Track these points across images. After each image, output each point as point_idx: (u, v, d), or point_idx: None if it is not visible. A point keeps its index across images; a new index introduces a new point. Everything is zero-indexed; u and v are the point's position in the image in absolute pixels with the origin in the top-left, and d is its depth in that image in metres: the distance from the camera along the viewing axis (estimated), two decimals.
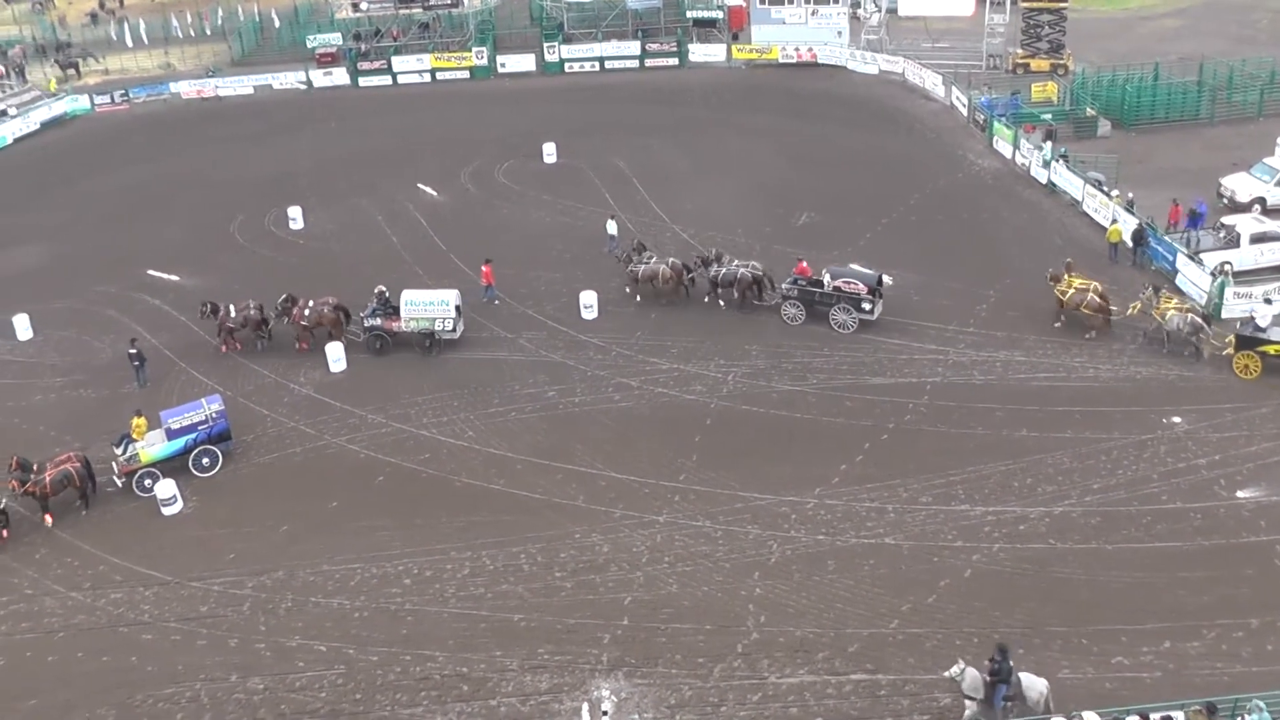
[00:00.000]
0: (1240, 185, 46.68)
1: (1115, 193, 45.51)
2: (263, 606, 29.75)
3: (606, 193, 52.58)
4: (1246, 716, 22.86)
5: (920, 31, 69.13)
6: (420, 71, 73.77)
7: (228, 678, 27.56)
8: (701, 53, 72.41)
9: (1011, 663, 24.05)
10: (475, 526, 31.94)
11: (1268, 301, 37.26)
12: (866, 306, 39.81)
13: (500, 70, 73.36)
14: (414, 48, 75.61)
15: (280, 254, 49.71)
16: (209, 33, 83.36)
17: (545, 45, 73.32)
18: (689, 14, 74.81)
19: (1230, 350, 36.13)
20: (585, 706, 25.52)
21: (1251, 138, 52.47)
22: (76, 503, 33.98)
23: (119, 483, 34.66)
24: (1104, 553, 29.29)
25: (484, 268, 43.45)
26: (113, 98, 73.00)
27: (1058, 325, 39.12)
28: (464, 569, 30.44)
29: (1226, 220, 42.86)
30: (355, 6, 74.87)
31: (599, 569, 30.07)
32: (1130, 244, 42.93)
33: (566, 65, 72.83)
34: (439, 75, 73.71)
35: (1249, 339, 35.88)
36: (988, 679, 24.07)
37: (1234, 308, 38.15)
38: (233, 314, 41.07)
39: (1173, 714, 23.37)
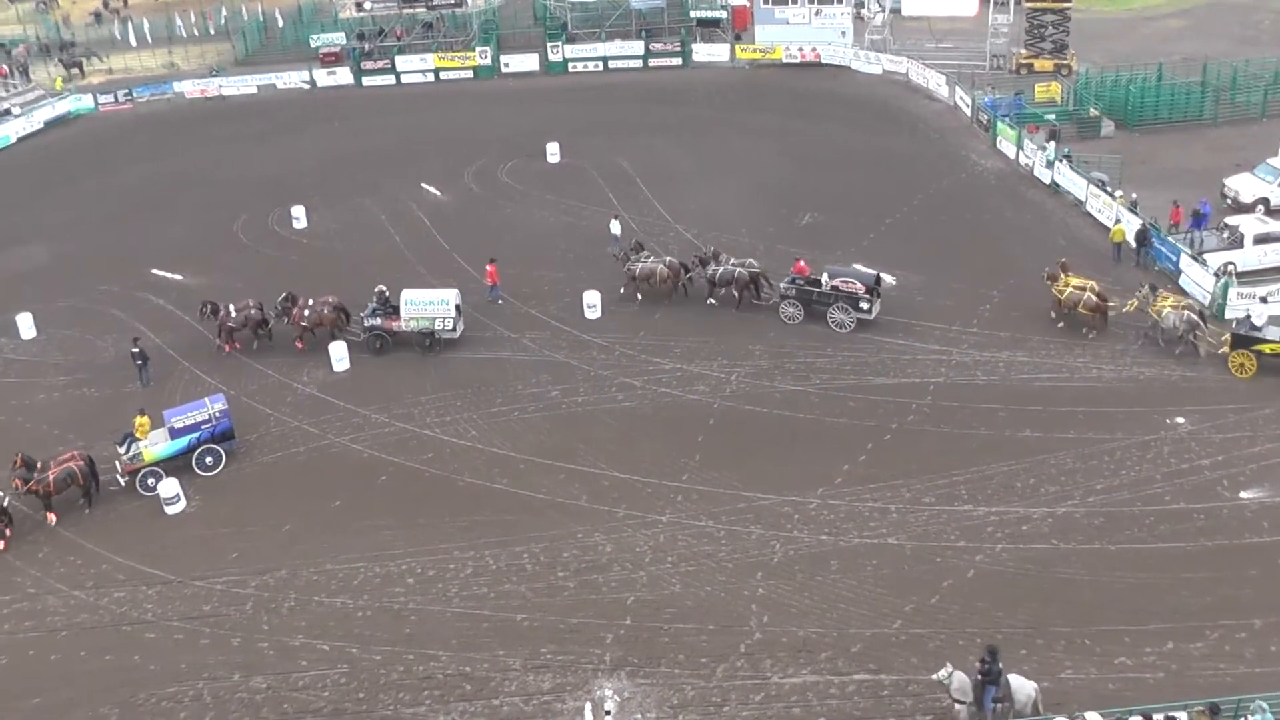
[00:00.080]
0: (1244, 186, 46.64)
1: (1119, 193, 45.48)
2: (266, 605, 29.78)
3: (610, 192, 52.57)
4: (1249, 717, 22.86)
5: (924, 31, 69.08)
6: (424, 71, 73.75)
7: (230, 677, 27.60)
8: (705, 53, 72.33)
9: (1001, 665, 24.01)
10: (478, 526, 31.95)
11: (1264, 301, 37.29)
12: (864, 306, 39.80)
13: (504, 70, 73.33)
14: (417, 47, 75.59)
15: (283, 253, 49.74)
16: (212, 32, 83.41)
17: (549, 45, 73.30)
18: (693, 14, 74.68)
19: (1226, 349, 36.18)
20: (588, 706, 25.53)
21: (1255, 138, 52.39)
22: (80, 501, 34.02)
23: (122, 481, 34.70)
24: (1107, 553, 29.27)
25: (488, 267, 43.45)
26: (116, 97, 73.03)
27: (1061, 325, 39.09)
28: (467, 568, 30.45)
29: (1230, 221, 42.84)
30: (359, 6, 74.91)
31: (602, 569, 30.08)
32: (1134, 244, 42.89)
33: (570, 65, 72.80)
34: (443, 75, 73.68)
35: (1244, 338, 35.98)
36: (978, 679, 24.05)
37: (1238, 308, 38.10)
38: (233, 314, 41.08)
39: (1176, 715, 23.37)
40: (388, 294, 41.14)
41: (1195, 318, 36.84)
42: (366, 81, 73.65)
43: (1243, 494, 31.06)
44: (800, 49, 69.86)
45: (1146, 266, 42.35)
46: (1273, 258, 41.22)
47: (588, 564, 30.28)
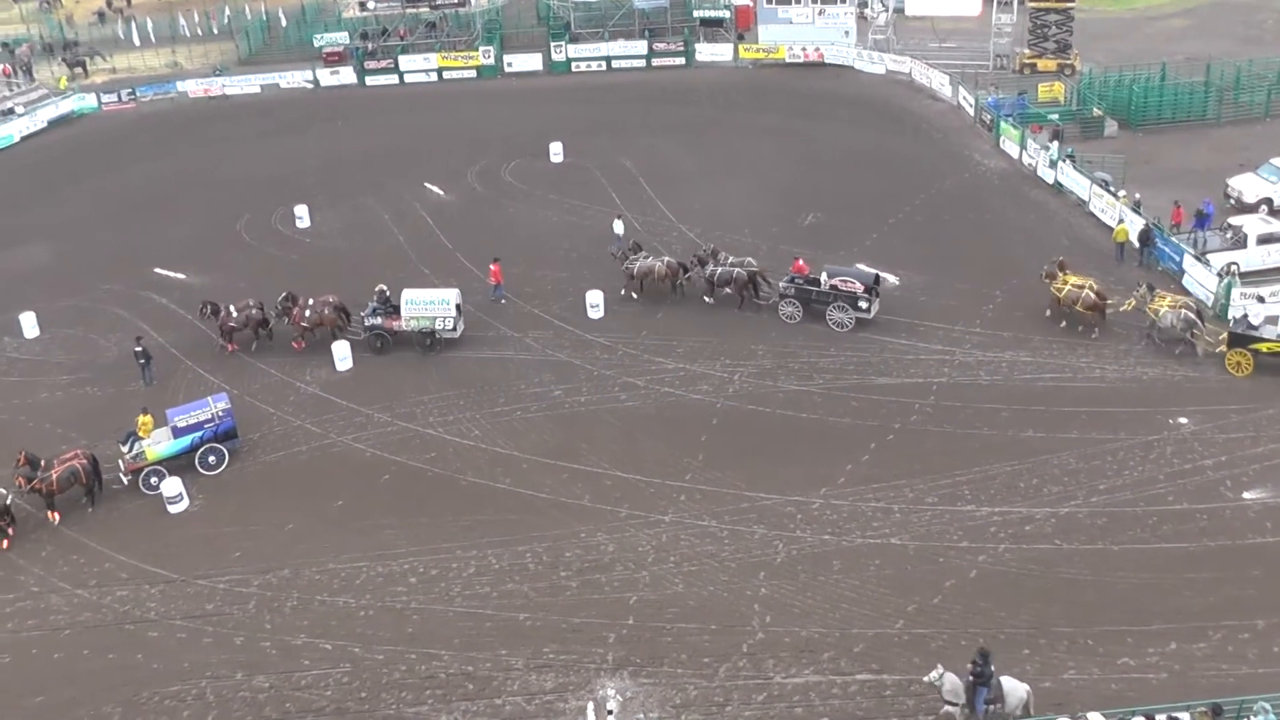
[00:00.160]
0: (1247, 186, 46.59)
1: (1122, 193, 45.45)
2: (268, 604, 29.80)
3: (613, 192, 52.57)
4: (1252, 718, 22.85)
5: (927, 31, 69.02)
6: (427, 71, 73.74)
7: (233, 675, 27.62)
8: (708, 52, 72.31)
9: (993, 667, 24.00)
10: (481, 525, 31.97)
11: (1260, 300, 37.32)
12: (863, 305, 39.81)
13: (507, 70, 73.31)
14: (421, 47, 75.57)
15: (286, 252, 49.76)
16: (216, 32, 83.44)
17: (552, 45, 73.28)
18: (696, 13, 74.68)
19: (1223, 348, 36.22)
20: (590, 706, 25.54)
21: (1258, 138, 52.39)
22: (83, 500, 34.06)
23: (125, 480, 34.73)
24: (1110, 553, 29.26)
25: (492, 266, 43.47)
26: (120, 96, 73.04)
27: (1062, 325, 39.11)
28: (469, 568, 30.46)
29: (1233, 221, 42.81)
30: (362, 5, 74.89)
31: (604, 568, 30.09)
32: (1137, 245, 42.86)
33: (573, 65, 72.79)
34: (446, 74, 73.65)
35: (1241, 336, 36.06)
36: (969, 680, 24.03)
37: (1241, 309, 38.05)
38: (233, 314, 41.10)
39: (1178, 715, 23.36)
40: (388, 293, 41.16)
41: (1193, 317, 36.89)
42: (370, 81, 73.63)
43: (1246, 494, 31.05)
44: (803, 49, 69.82)
45: (1149, 267, 42.32)
46: (1276, 258, 41.21)
47: (590, 563, 30.29)
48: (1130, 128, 55.48)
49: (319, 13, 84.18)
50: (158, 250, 50.22)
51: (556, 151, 57.21)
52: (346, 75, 73.97)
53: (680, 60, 72.10)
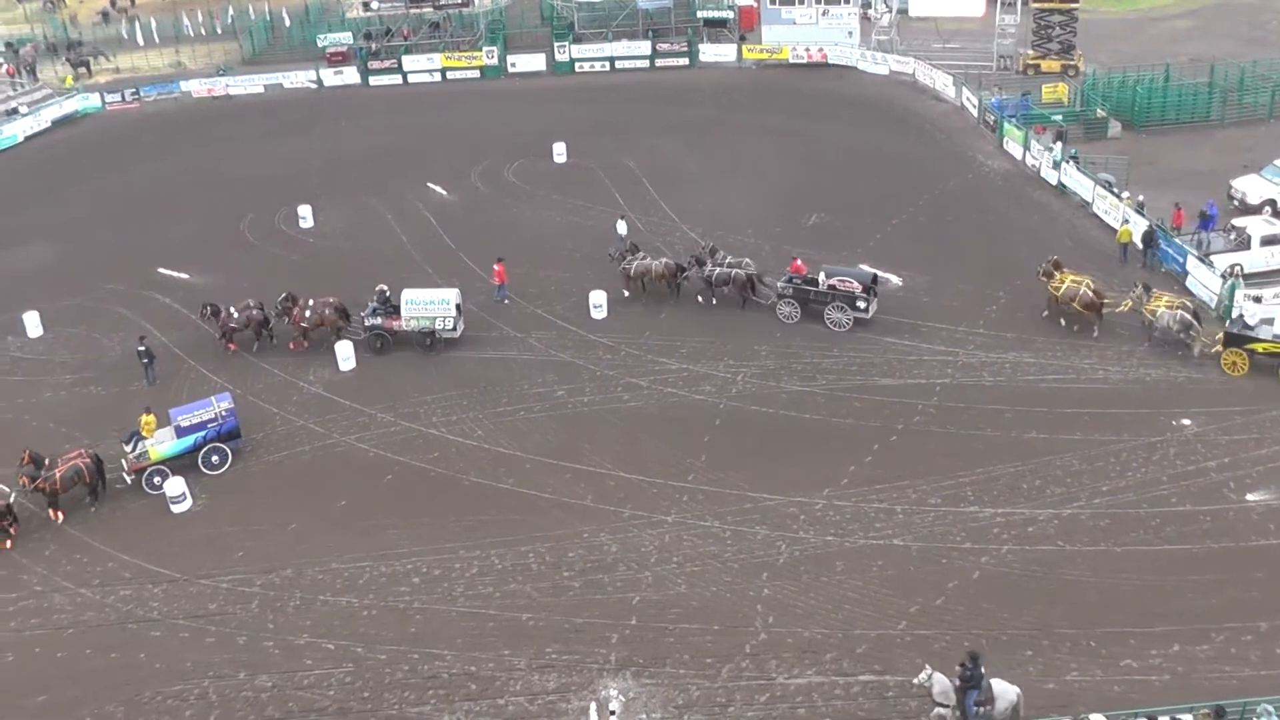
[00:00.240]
0: (1251, 187, 46.55)
1: (1126, 194, 45.43)
2: (271, 604, 29.81)
3: (616, 192, 52.58)
4: None
5: (931, 32, 69.04)
6: (430, 71, 73.82)
7: (236, 675, 27.63)
8: (712, 53, 72.37)
9: (983, 669, 23.97)
10: (484, 525, 31.97)
11: (1256, 300, 37.37)
12: (861, 305, 39.82)
13: (510, 70, 73.37)
14: (424, 47, 75.66)
15: (290, 252, 49.80)
16: (220, 31, 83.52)
17: (556, 45, 73.34)
18: (699, 14, 74.75)
19: (1219, 348, 36.25)
20: (593, 706, 25.54)
21: (1262, 139, 52.40)
22: (86, 499, 34.08)
23: (128, 480, 34.76)
24: (1113, 555, 29.24)
25: (496, 266, 43.49)
26: (123, 96, 73.14)
27: (1061, 323, 39.18)
28: (472, 568, 30.47)
29: (1237, 222, 42.77)
30: (366, 6, 74.92)
31: (607, 569, 30.09)
32: (1140, 246, 42.84)
33: (577, 65, 72.84)
34: (449, 75, 73.73)
35: (1237, 336, 36.15)
36: (958, 684, 24.00)
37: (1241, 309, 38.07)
38: (234, 315, 41.10)
39: (1181, 717, 23.34)
40: (388, 293, 41.18)
41: (1189, 317, 36.95)
42: (373, 81, 73.71)
43: (1249, 496, 31.02)
44: (807, 49, 69.85)
45: (1153, 268, 42.31)
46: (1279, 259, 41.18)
47: (593, 564, 30.29)
48: (1134, 129, 55.45)
49: (323, 13, 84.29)
50: (161, 250, 50.26)
51: (560, 152, 57.24)
52: (350, 75, 74.04)
53: (684, 61, 72.15)
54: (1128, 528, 30.11)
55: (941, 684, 24.07)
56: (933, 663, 24.91)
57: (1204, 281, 39.99)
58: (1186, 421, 34.17)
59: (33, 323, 44.21)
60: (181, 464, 34.97)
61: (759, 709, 25.69)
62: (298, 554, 31.47)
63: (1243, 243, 41.45)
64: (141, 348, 39.91)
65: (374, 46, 75.51)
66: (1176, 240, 42.16)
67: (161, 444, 35.00)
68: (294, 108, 70.57)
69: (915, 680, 24.44)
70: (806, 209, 49.68)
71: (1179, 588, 28.07)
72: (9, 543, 32.69)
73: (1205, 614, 27.18)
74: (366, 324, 40.90)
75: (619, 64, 72.58)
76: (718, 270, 41.90)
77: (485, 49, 73.75)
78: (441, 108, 67.82)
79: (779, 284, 41.32)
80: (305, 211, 52.28)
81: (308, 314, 40.93)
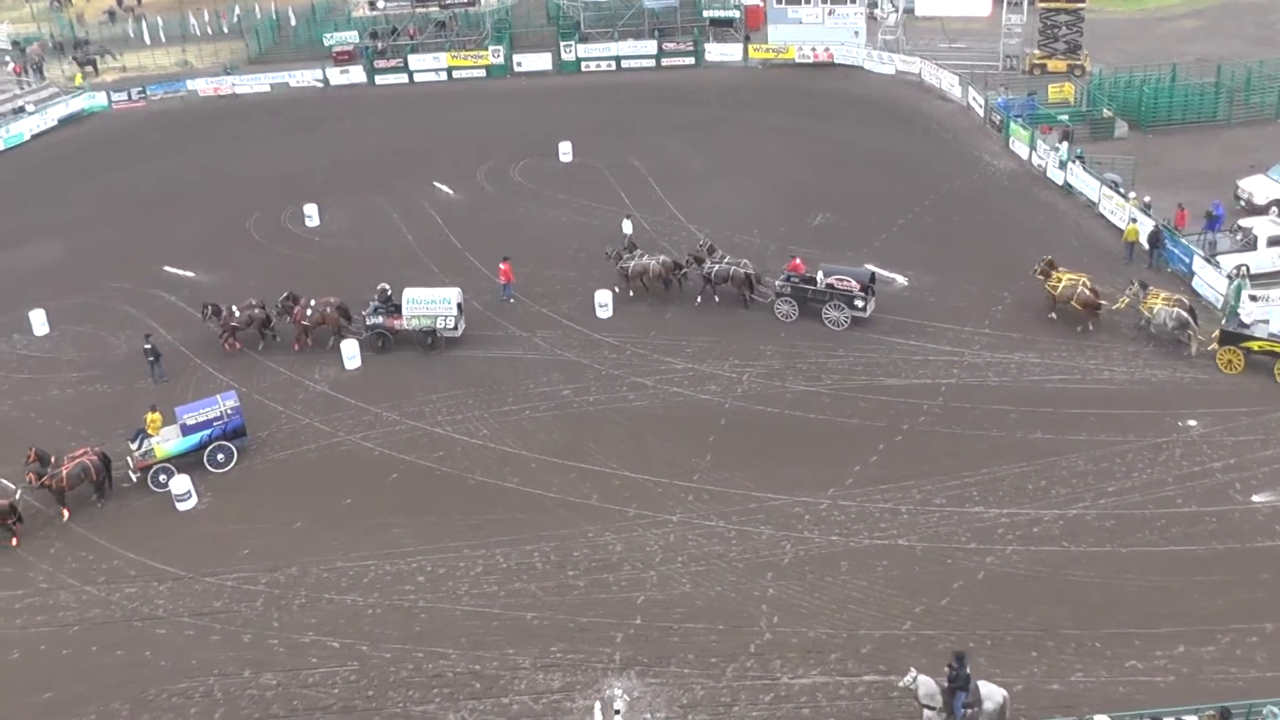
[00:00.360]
0: (1257, 187, 46.47)
1: (1132, 195, 45.37)
2: (276, 602, 29.86)
3: (622, 192, 52.57)
4: None
5: (937, 32, 68.91)
6: (436, 70, 73.78)
7: (241, 673, 27.67)
8: (718, 52, 72.27)
9: (969, 670, 23.95)
10: (489, 524, 32.00)
11: (1253, 298, 37.35)
12: (859, 304, 39.83)
13: (516, 69, 73.33)
14: (430, 46, 75.62)
15: (296, 251, 49.82)
16: (226, 30, 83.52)
17: (562, 44, 73.28)
18: (706, 13, 74.68)
19: (1215, 345, 36.27)
20: (597, 705, 25.58)
21: (1269, 139, 52.34)
22: (93, 496, 34.15)
23: (134, 477, 34.82)
24: (1118, 556, 29.23)
25: (502, 265, 43.49)
26: (130, 95, 73.14)
27: (1062, 321, 39.17)
28: (477, 567, 30.49)
29: (1243, 223, 42.72)
30: (372, 5, 74.87)
31: (612, 568, 30.11)
32: (1146, 246, 42.80)
33: (583, 64, 72.77)
34: (455, 74, 73.68)
35: (1233, 334, 36.27)
36: (945, 685, 23.97)
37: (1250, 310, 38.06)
38: (236, 314, 41.13)
39: (1186, 719, 23.30)
40: (390, 292, 41.21)
41: (1185, 315, 37.02)
42: (379, 80, 73.67)
43: (1255, 497, 30.99)
44: (813, 49, 69.76)
45: (1159, 268, 42.27)
46: None
47: (598, 563, 30.31)
48: (1140, 129, 55.38)
49: (329, 12, 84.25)
50: (167, 248, 50.31)
51: (565, 151, 57.22)
52: (356, 74, 74.00)
53: (690, 60, 72.08)
54: (1133, 529, 30.09)
55: (927, 686, 24.06)
56: (939, 663, 24.90)
57: (1210, 282, 39.92)
58: (1192, 422, 34.15)
59: (39, 321, 44.27)
60: (187, 462, 35.04)
61: (763, 709, 25.70)
62: (303, 552, 31.51)
63: (1249, 243, 41.40)
64: (148, 346, 39.95)
65: (380, 45, 75.47)
66: (1183, 241, 42.09)
67: (167, 442, 35.06)
68: (300, 107, 70.59)
69: (901, 683, 24.45)
70: (812, 209, 49.65)
71: (1184, 589, 28.05)
72: (15, 541, 32.74)
73: (1211, 615, 27.17)
74: (368, 323, 40.92)
75: (625, 63, 72.48)
76: (716, 267, 41.92)
77: (491, 48, 73.73)
78: (447, 107, 67.81)
79: (777, 283, 41.35)
80: (311, 210, 52.31)
81: (308, 313, 40.94)
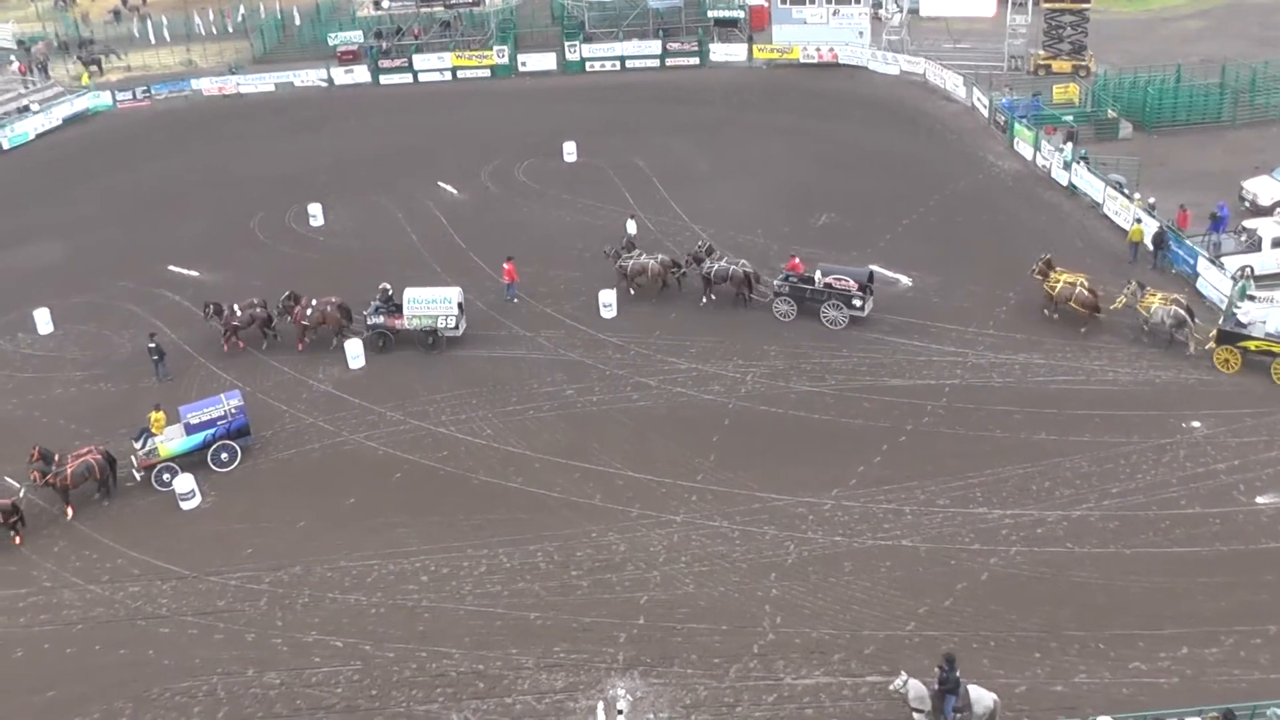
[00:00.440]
0: (1262, 189, 46.37)
1: (1137, 196, 45.32)
2: (280, 602, 29.89)
3: (626, 192, 52.57)
4: None
5: (941, 32, 68.83)
6: (441, 70, 73.76)
7: (244, 672, 27.71)
8: (722, 52, 72.19)
9: (959, 673, 23.92)
10: (492, 524, 32.01)
11: (1250, 297, 37.33)
12: (857, 303, 39.84)
13: (521, 69, 73.31)
14: (435, 46, 75.59)
15: (300, 251, 49.86)
16: (230, 30, 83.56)
17: (566, 44, 73.26)
18: (710, 13, 74.59)
19: (1212, 344, 36.29)
20: (600, 705, 25.57)
21: (1274, 140, 52.24)
22: (96, 494, 34.18)
23: (138, 476, 34.86)
24: (1122, 557, 29.20)
25: (506, 265, 43.49)
26: (134, 94, 73.17)
27: (1055, 318, 39.25)
28: (481, 566, 30.51)
29: (1248, 224, 42.67)
30: (377, 4, 74.92)
31: (615, 568, 30.11)
32: (1151, 247, 42.76)
33: (587, 64, 72.72)
34: (460, 74, 73.65)
35: (1230, 334, 36.28)
36: (935, 688, 23.94)
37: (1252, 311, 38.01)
38: (238, 313, 41.15)
39: None
40: (391, 292, 41.22)
41: (1182, 314, 37.06)
42: (384, 80, 73.65)
43: (1259, 499, 30.95)
44: (818, 49, 69.69)
45: (1164, 269, 42.23)
46: None
47: (601, 563, 30.32)
48: (1145, 130, 55.30)
49: (333, 11, 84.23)
50: (171, 247, 50.36)
51: (570, 151, 57.21)
52: (361, 74, 74.00)
53: (694, 60, 72.01)
54: (1137, 530, 30.06)
55: (917, 690, 24.03)
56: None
57: (1214, 283, 39.88)
58: (1196, 424, 34.11)
59: (43, 320, 44.31)
60: (191, 461, 35.08)
61: (766, 709, 25.70)
62: (306, 551, 31.54)
63: (1254, 244, 41.35)
64: (152, 345, 39.98)
65: (385, 45, 75.48)
66: (1187, 242, 42.04)
67: (171, 441, 35.10)
68: (304, 106, 70.61)
69: (891, 687, 24.43)
70: (817, 209, 49.63)
71: (1188, 590, 28.02)
72: (19, 539, 32.79)
73: (1214, 617, 27.14)
74: (369, 322, 40.93)
75: (629, 63, 72.40)
76: (716, 267, 41.93)
77: (496, 48, 73.72)
78: (452, 107, 67.81)
79: (775, 282, 41.36)
80: (315, 210, 52.34)
81: (309, 312, 40.95)
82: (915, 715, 24.15)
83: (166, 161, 62.11)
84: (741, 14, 74.51)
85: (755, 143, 57.85)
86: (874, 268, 42.01)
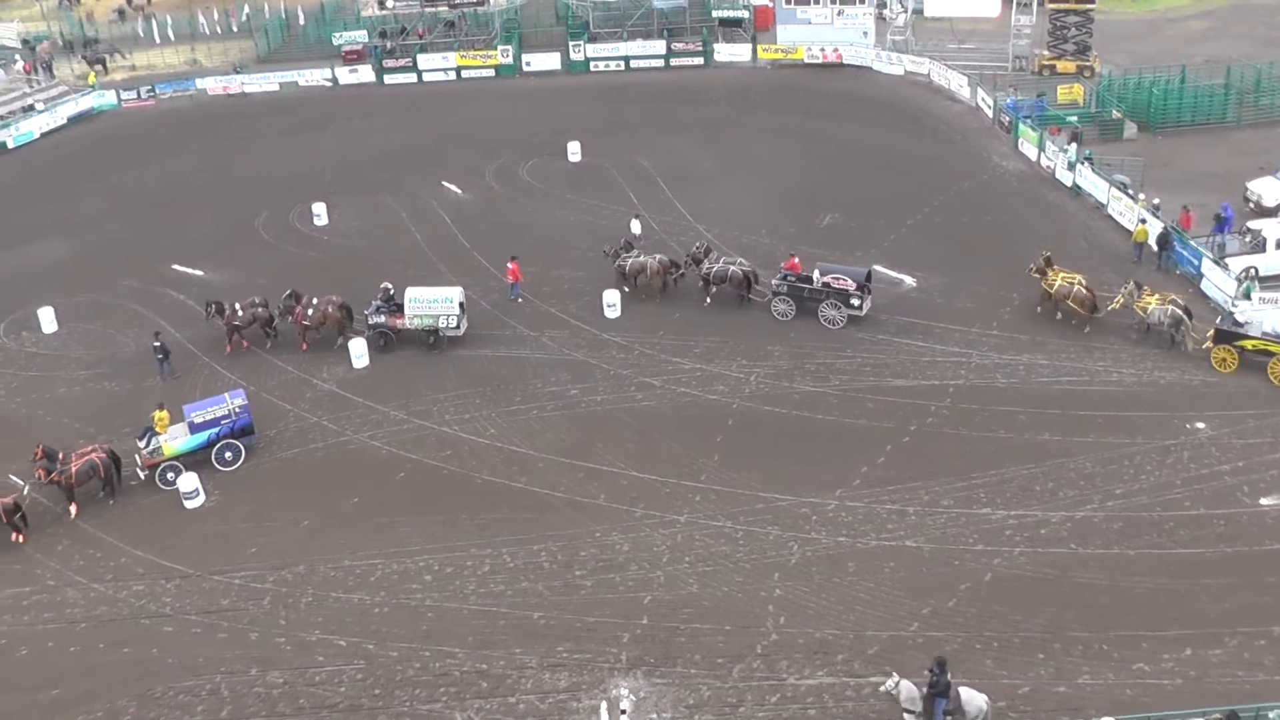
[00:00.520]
0: (1267, 189, 46.35)
1: (1142, 196, 45.29)
2: (283, 601, 29.90)
3: (631, 192, 52.57)
4: None
5: (946, 32, 68.85)
6: (445, 69, 73.80)
7: (248, 671, 27.71)
8: (727, 52, 72.24)
9: (949, 676, 23.90)
10: (496, 524, 32.01)
11: (1247, 297, 37.30)
12: (855, 302, 39.84)
13: (525, 69, 73.35)
14: (439, 46, 75.64)
15: (304, 250, 49.88)
16: (235, 30, 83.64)
17: (570, 44, 73.29)
18: (714, 13, 74.66)
19: (1209, 344, 36.29)
20: (604, 705, 25.55)
21: (1278, 141, 52.16)
22: (100, 494, 34.21)
23: (141, 475, 34.89)
24: (1126, 558, 29.17)
25: (510, 265, 43.51)
26: (139, 94, 73.21)
27: (1058, 317, 39.36)
28: (484, 566, 30.52)
29: (1252, 225, 42.63)
30: (381, 4, 74.96)
31: (619, 568, 30.10)
32: (1155, 248, 42.72)
33: (592, 64, 72.76)
34: (464, 73, 73.69)
35: (1227, 333, 36.32)
36: (925, 691, 23.91)
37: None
38: (239, 312, 41.18)
39: None
40: (392, 291, 41.23)
41: (1180, 313, 37.09)
42: (388, 80, 73.69)
43: (1263, 500, 30.92)
44: (822, 49, 69.70)
45: (1168, 270, 42.21)
46: None
47: (605, 563, 30.31)
48: (1149, 130, 55.28)
49: (338, 11, 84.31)
50: (176, 247, 50.39)
51: (574, 151, 57.23)
52: (365, 74, 74.03)
53: (699, 60, 72.02)
54: (1141, 531, 30.03)
55: (909, 691, 24.04)
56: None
57: (1219, 284, 39.84)
58: (1200, 425, 34.08)
59: (48, 318, 44.36)
60: (195, 460, 35.09)
61: (770, 709, 25.68)
62: (310, 551, 31.56)
63: (1258, 245, 41.31)
64: (156, 344, 40.04)
65: (389, 45, 75.52)
66: (1192, 243, 42.01)
67: (175, 440, 35.12)
68: (309, 106, 70.65)
69: (882, 688, 24.41)
70: (821, 209, 49.62)
71: (1192, 591, 27.99)
72: (21, 537, 32.81)
73: (1218, 618, 27.10)
74: (370, 322, 40.94)
75: (634, 63, 72.44)
76: (715, 267, 41.93)
77: (500, 48, 73.75)
78: (456, 106, 67.84)
79: (774, 281, 41.36)
80: (320, 209, 52.35)
81: (310, 312, 40.96)
82: (906, 716, 24.16)
83: (171, 161, 62.16)
84: (746, 14, 74.57)
85: (760, 143, 57.86)
86: (877, 268, 42.03)
